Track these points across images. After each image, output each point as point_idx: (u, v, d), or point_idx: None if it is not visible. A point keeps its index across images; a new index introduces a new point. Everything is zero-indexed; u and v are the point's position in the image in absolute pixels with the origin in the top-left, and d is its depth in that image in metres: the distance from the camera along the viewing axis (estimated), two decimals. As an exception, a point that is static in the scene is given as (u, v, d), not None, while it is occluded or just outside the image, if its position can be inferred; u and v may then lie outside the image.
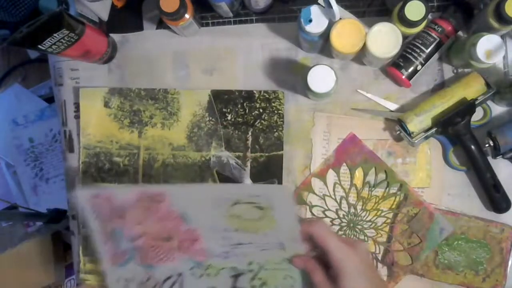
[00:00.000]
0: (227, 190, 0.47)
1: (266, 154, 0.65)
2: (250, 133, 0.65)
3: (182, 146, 0.67)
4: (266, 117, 0.65)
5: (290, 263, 0.47)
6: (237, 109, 0.66)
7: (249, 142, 0.65)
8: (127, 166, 0.67)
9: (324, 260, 0.44)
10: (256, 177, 0.65)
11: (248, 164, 0.65)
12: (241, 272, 0.49)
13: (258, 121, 0.65)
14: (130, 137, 0.67)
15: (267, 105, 0.65)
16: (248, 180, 0.65)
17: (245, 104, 0.66)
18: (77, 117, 0.69)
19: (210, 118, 0.66)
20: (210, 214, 0.46)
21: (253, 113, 0.65)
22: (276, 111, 0.65)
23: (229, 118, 0.66)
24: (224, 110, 0.66)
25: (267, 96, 0.65)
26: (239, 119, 0.66)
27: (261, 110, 0.65)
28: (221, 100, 0.66)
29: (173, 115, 0.67)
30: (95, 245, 0.51)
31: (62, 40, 0.56)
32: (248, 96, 0.66)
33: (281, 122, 0.65)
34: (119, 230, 0.50)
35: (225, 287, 0.50)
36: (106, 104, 0.68)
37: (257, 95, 0.65)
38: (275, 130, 0.65)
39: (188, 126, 0.67)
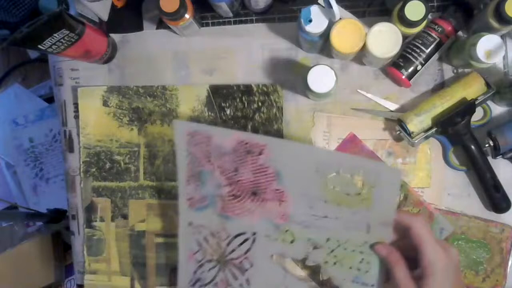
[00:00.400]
0: (333, 156, 0.44)
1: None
2: (249, 127, 0.65)
3: (182, 144, 0.66)
4: (265, 110, 0.65)
5: (371, 248, 0.44)
6: (236, 104, 0.66)
7: (249, 136, 0.65)
8: (128, 164, 0.67)
9: (407, 256, 0.42)
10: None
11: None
12: (317, 246, 0.47)
13: (257, 114, 0.65)
14: (130, 135, 0.67)
15: (266, 98, 0.65)
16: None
17: (243, 98, 0.66)
18: (77, 117, 0.69)
19: (209, 113, 0.66)
20: (306, 178, 0.44)
21: (252, 107, 0.65)
22: (274, 104, 0.65)
23: (228, 112, 0.66)
24: (223, 104, 0.66)
25: (265, 89, 0.65)
26: (238, 113, 0.66)
27: (259, 104, 0.65)
28: (219, 95, 0.66)
29: (172, 111, 0.67)
30: (177, 182, 0.49)
31: (62, 40, 0.56)
32: (247, 90, 0.66)
33: (280, 115, 0.65)
34: (207, 173, 0.47)
35: (296, 256, 0.48)
36: (105, 103, 0.68)
37: (255, 89, 0.65)
38: (274, 122, 0.65)
39: (188, 121, 0.67)
